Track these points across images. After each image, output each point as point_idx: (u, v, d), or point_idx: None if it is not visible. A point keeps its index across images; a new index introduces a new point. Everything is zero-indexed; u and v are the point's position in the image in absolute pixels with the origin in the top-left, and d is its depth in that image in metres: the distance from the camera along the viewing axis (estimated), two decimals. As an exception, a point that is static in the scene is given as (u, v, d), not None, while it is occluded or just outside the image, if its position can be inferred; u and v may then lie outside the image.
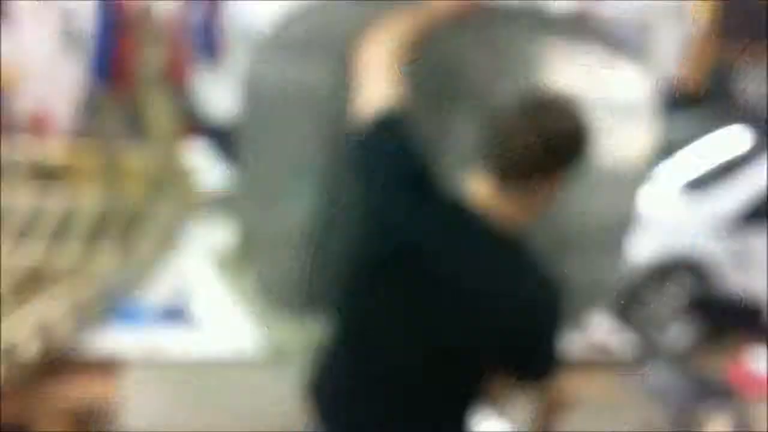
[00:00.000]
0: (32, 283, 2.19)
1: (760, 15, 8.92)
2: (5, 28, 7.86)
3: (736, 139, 5.70)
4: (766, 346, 3.36)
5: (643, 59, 9.18)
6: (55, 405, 1.90)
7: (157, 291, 2.44)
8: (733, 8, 9.02)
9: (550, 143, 1.27)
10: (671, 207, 4.85)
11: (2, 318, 1.99)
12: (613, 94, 1.84)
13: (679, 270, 4.75)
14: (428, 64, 1.61)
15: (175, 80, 8.12)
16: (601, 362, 2.49)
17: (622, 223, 2.00)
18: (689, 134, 6.11)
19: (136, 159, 3.20)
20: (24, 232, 2.49)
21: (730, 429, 3.57)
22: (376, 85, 1.40)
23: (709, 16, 8.94)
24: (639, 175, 1.96)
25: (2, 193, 2.72)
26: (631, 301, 4.67)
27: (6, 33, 7.86)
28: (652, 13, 9.33)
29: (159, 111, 2.74)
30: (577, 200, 1.95)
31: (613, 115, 1.81)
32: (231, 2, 8.20)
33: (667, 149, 5.82)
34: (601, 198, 1.95)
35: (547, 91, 1.41)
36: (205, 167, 3.36)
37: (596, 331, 2.50)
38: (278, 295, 1.84)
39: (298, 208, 1.77)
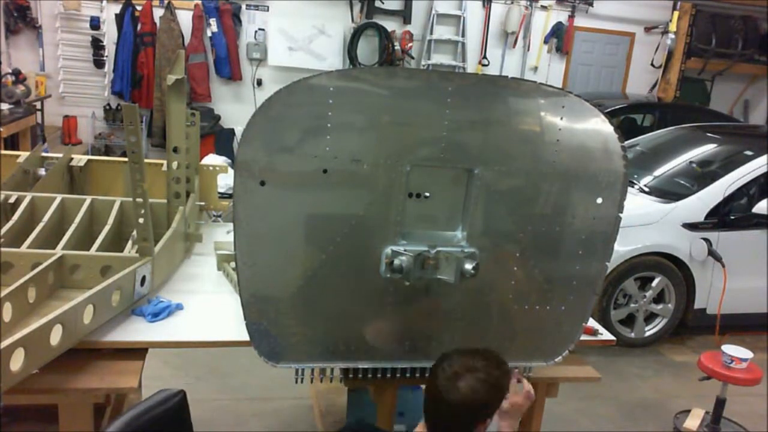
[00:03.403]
0: (57, 275, 2.20)
1: (729, 31, 8.97)
2: (35, 38, 7.93)
3: (704, 145, 5.69)
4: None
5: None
6: (79, 392, 1.89)
7: (174, 286, 2.45)
8: (704, 24, 9.10)
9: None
10: (647, 209, 4.84)
11: (26, 311, 2.00)
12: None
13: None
14: None
15: (197, 93, 8.16)
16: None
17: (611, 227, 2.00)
18: (662, 141, 6.13)
19: (158, 164, 3.22)
20: (51, 230, 2.50)
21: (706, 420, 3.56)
22: None
23: (683, 30, 9.03)
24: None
25: (33, 193, 2.73)
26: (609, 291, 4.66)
27: (35, 43, 7.92)
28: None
29: (179, 118, 2.74)
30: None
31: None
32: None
33: (641, 156, 5.85)
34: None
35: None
36: (221, 171, 3.36)
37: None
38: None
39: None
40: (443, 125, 1.82)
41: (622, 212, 1.99)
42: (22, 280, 1.98)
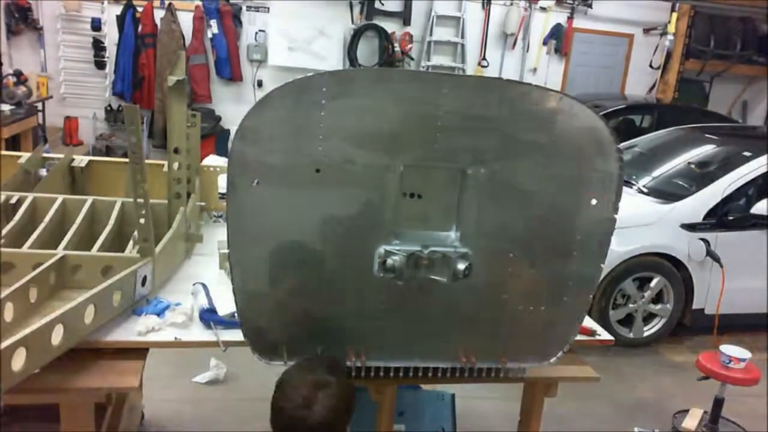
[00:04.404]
0: (58, 275, 2.21)
1: (727, 32, 8.94)
2: (36, 39, 7.93)
3: (703, 145, 5.71)
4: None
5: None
6: (80, 392, 1.90)
7: (174, 287, 2.46)
8: (703, 25, 9.11)
9: None
10: (645, 210, 4.85)
11: (27, 311, 2.00)
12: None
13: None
14: None
15: (198, 94, 8.17)
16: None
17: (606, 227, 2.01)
18: (660, 142, 6.14)
19: (159, 164, 3.23)
20: (53, 230, 2.51)
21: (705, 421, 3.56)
22: None
23: (682, 31, 9.04)
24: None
25: (35, 193, 2.74)
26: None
27: (36, 45, 7.93)
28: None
29: (180, 119, 2.75)
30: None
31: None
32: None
33: (639, 157, 5.86)
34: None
35: None
36: (222, 172, 3.36)
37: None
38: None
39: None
40: (437, 126, 1.82)
41: (617, 213, 1.99)
42: (23, 281, 1.99)
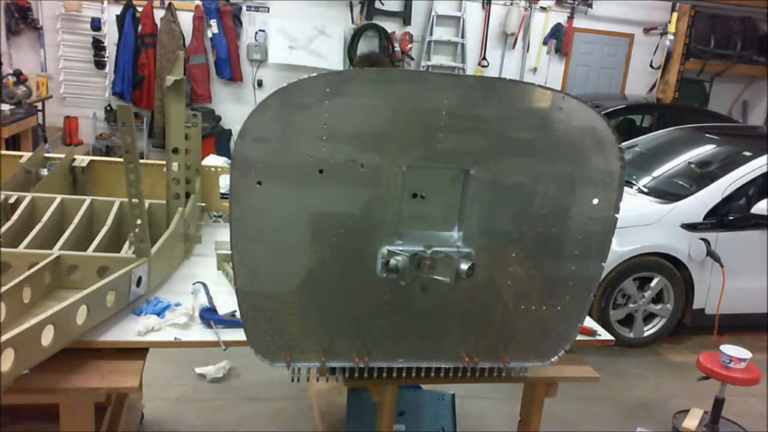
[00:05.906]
0: (54, 276, 2.19)
1: (728, 32, 8.96)
2: (36, 39, 7.92)
3: (703, 145, 5.69)
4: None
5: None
6: (79, 392, 1.89)
7: (173, 287, 2.45)
8: (703, 25, 9.11)
9: None
10: (646, 210, 4.84)
11: (20, 311, 1.99)
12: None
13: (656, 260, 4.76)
14: None
15: (198, 94, 8.16)
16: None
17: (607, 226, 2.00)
18: (660, 142, 6.13)
19: (160, 164, 3.21)
20: (51, 230, 2.50)
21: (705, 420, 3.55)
22: None
23: (682, 31, 9.03)
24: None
25: (34, 193, 2.73)
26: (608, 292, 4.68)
27: (36, 44, 7.92)
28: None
29: (179, 119, 2.74)
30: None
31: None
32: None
33: (639, 157, 5.84)
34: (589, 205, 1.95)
35: None
36: (224, 172, 3.35)
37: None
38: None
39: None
40: (440, 126, 1.81)
41: (618, 213, 1.98)
42: (16, 280, 1.96)
